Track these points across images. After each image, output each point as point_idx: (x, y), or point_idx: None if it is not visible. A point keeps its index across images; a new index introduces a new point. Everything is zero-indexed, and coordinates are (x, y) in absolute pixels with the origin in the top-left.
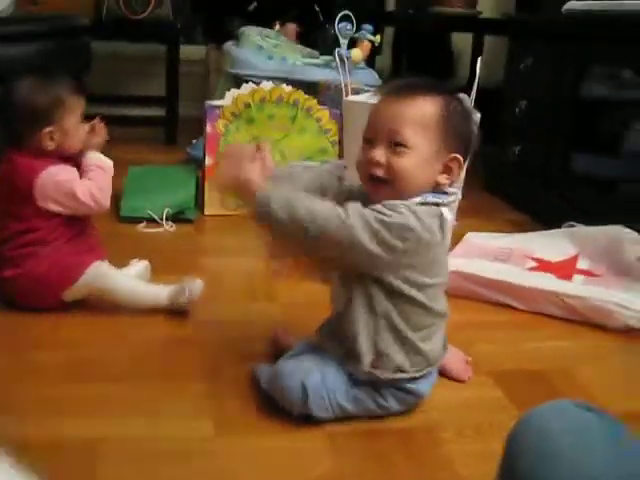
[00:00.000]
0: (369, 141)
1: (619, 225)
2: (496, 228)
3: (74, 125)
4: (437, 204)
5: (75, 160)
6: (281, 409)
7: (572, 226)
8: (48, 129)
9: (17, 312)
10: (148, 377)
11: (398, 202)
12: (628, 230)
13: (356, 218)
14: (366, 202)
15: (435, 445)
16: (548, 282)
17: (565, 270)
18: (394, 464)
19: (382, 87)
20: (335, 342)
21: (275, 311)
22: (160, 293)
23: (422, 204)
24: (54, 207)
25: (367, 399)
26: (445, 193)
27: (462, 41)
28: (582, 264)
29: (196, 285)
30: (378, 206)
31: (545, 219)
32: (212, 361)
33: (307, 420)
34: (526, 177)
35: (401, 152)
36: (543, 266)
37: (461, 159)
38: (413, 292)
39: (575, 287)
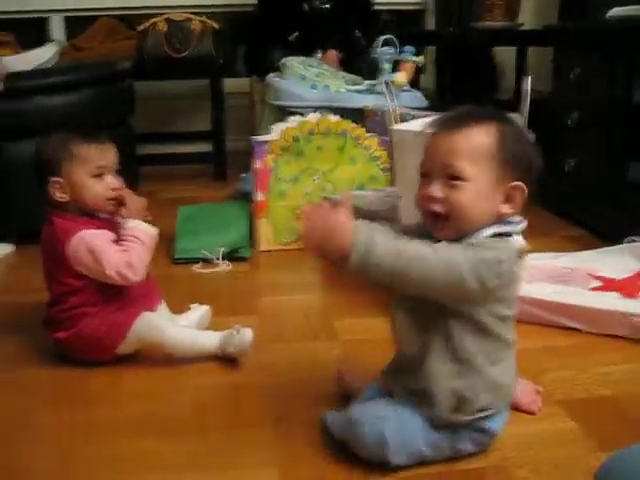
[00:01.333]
0: (426, 175)
1: None
2: (555, 246)
3: (83, 177)
4: (509, 234)
5: (113, 224)
6: (352, 457)
7: (634, 241)
8: (54, 179)
9: (75, 367)
10: (211, 428)
11: (481, 238)
12: None
13: (454, 256)
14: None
15: None
16: (614, 301)
17: (630, 288)
18: None
19: (434, 121)
20: (406, 386)
21: (337, 349)
22: (209, 342)
23: (495, 236)
24: (85, 272)
25: (444, 444)
26: (510, 222)
27: (505, 55)
28: None
29: (246, 334)
30: (464, 244)
31: (605, 234)
32: (275, 407)
33: (380, 466)
34: (582, 191)
35: (458, 186)
36: (607, 285)
37: (523, 186)
38: (497, 326)
39: None
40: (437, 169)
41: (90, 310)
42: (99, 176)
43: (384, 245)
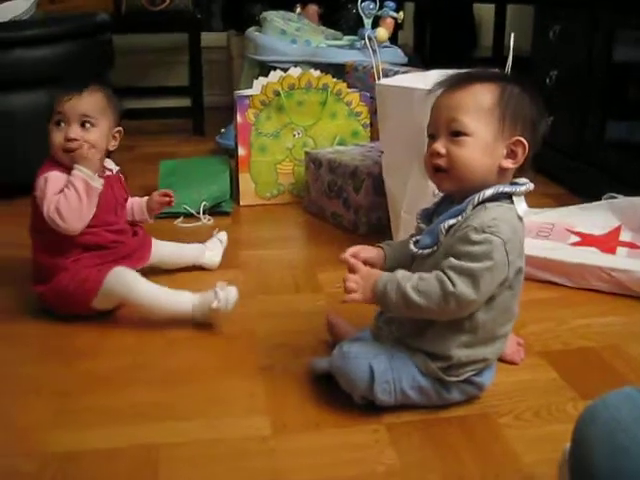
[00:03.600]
0: (432, 136)
1: None
2: (534, 203)
3: (50, 125)
4: (510, 194)
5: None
6: (339, 403)
7: (613, 197)
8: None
9: (60, 321)
10: (200, 379)
11: (484, 221)
12: None
13: (459, 283)
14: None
15: (495, 431)
16: (593, 256)
17: (608, 243)
18: (456, 453)
19: (440, 81)
20: (401, 338)
21: (322, 301)
22: (184, 302)
23: (495, 196)
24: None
25: (431, 390)
26: (515, 184)
27: (484, 11)
28: (625, 236)
29: (232, 291)
30: (464, 247)
31: (583, 191)
32: (263, 357)
33: (365, 412)
34: (561, 149)
35: (460, 141)
36: (586, 240)
37: (525, 142)
38: (507, 297)
39: (620, 260)
40: (442, 127)
41: (64, 263)
42: (57, 124)
43: (395, 296)
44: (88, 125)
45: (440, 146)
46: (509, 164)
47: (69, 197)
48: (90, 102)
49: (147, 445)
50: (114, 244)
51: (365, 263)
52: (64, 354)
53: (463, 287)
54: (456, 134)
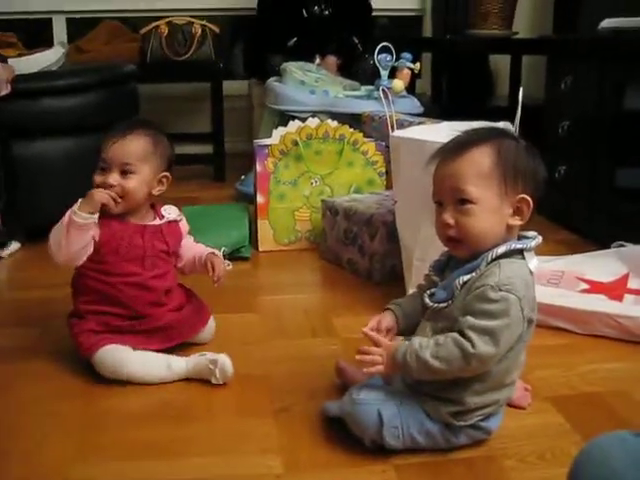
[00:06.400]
0: (439, 203)
1: None
2: (545, 249)
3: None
4: (521, 250)
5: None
6: (350, 444)
7: (621, 245)
8: None
9: (83, 361)
10: (216, 418)
11: (500, 279)
12: None
13: (480, 343)
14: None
15: (500, 474)
16: (601, 304)
17: (616, 290)
18: None
19: (439, 150)
20: (412, 385)
21: (336, 346)
22: (177, 372)
23: (507, 254)
24: None
25: (439, 435)
26: (526, 238)
27: (500, 61)
28: (633, 283)
29: (226, 363)
30: (481, 306)
31: (594, 238)
32: (277, 399)
33: (375, 453)
34: (573, 196)
35: (468, 210)
36: (595, 287)
37: (528, 198)
38: (518, 348)
39: (628, 307)
40: (447, 196)
41: (76, 302)
42: (101, 169)
43: (416, 365)
44: (128, 173)
45: (449, 217)
46: (516, 221)
47: (56, 227)
48: (132, 148)
49: None
50: (135, 303)
51: (387, 331)
52: (85, 392)
53: (483, 346)
54: (462, 202)
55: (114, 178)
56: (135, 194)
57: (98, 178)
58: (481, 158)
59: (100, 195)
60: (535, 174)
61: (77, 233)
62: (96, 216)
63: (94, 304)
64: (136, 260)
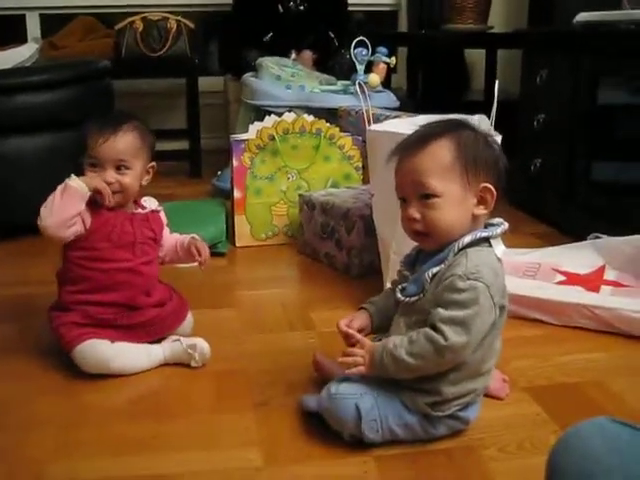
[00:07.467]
0: (403, 199)
1: None
2: (522, 242)
3: (86, 165)
4: (488, 238)
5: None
6: (329, 437)
7: (597, 237)
8: None
9: (64, 357)
10: (198, 412)
11: (467, 268)
12: None
13: (451, 334)
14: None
15: (479, 463)
16: (577, 295)
17: (593, 282)
18: None
19: (398, 145)
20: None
21: (314, 339)
22: (156, 359)
23: (474, 242)
24: None
25: (417, 426)
26: (492, 225)
27: (476, 55)
28: (609, 275)
29: (204, 347)
30: (451, 296)
31: (570, 231)
32: (256, 393)
33: (355, 445)
34: (548, 189)
35: (432, 204)
36: (571, 279)
37: (491, 187)
38: (494, 336)
39: (604, 298)
40: (411, 191)
41: (62, 289)
42: (92, 166)
43: (393, 365)
44: (123, 168)
45: (414, 211)
46: (481, 211)
47: (49, 197)
48: (125, 144)
49: (145, 476)
50: (126, 289)
51: (359, 331)
52: (64, 387)
53: (455, 336)
54: (426, 197)
55: (111, 175)
56: (132, 188)
57: (91, 175)
58: (441, 151)
59: (98, 181)
60: (496, 163)
61: (69, 198)
62: (88, 194)
63: (83, 293)
64: (127, 246)
